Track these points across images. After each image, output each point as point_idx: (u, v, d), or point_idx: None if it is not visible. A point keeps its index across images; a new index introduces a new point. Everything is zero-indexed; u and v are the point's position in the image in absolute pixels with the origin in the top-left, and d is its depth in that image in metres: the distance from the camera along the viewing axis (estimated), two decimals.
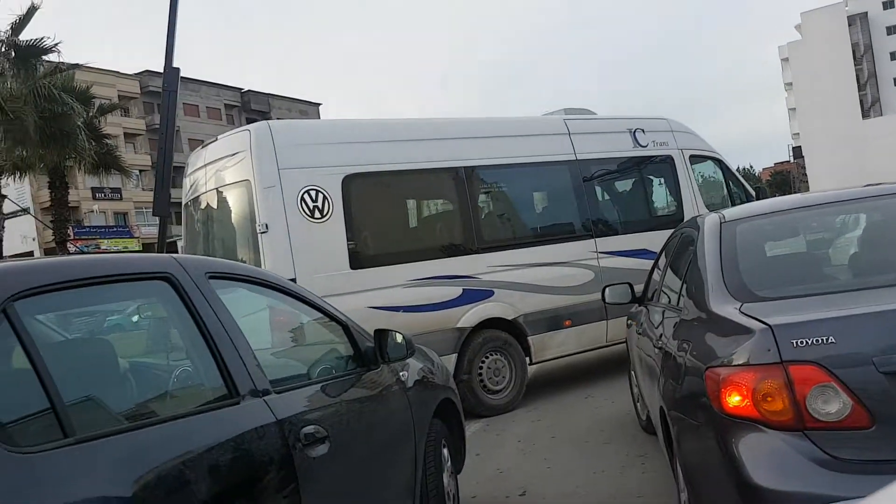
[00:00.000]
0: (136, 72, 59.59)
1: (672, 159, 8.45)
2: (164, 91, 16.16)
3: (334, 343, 3.28)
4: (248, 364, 2.43)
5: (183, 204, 7.52)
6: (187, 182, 7.34)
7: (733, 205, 8.53)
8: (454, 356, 6.67)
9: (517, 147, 7.51)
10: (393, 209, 7.10)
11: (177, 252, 23.89)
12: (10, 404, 1.81)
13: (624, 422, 5.80)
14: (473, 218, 7.14)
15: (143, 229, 53.61)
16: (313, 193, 6.20)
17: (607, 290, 5.18)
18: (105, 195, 54.41)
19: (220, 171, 6.64)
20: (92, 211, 54.36)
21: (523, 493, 4.57)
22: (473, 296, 6.83)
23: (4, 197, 18.49)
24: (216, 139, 6.96)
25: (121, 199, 55.75)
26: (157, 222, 19.14)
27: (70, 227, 25.94)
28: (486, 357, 6.92)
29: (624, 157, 8.26)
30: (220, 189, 6.73)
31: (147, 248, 50.22)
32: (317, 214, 6.20)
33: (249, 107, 71.34)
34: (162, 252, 15.84)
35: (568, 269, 7.41)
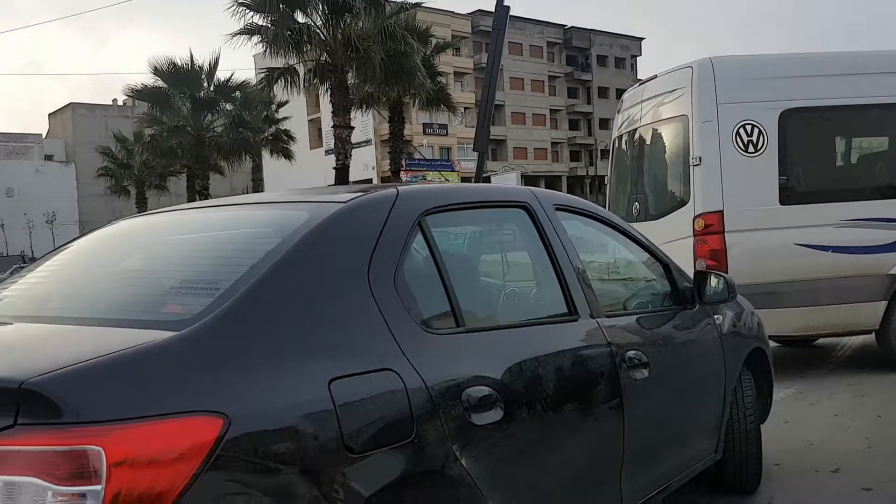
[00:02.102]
0: (469, 12, 62.84)
1: None
2: (494, 29, 16.86)
3: (654, 280, 3.51)
4: (585, 288, 2.77)
5: (613, 138, 8.00)
6: (620, 118, 7.77)
7: None
8: (883, 304, 6.32)
9: None
10: (831, 146, 6.93)
11: (490, 183, 25.42)
12: (426, 297, 2.26)
13: None
14: None
15: (463, 164, 57.32)
16: (749, 128, 6.24)
17: None
18: (433, 130, 59.04)
19: (658, 106, 6.96)
20: (422, 145, 59.42)
21: (836, 469, 4.18)
22: None
23: (353, 128, 20.94)
24: (655, 76, 7.23)
25: (446, 134, 60.07)
26: (476, 157, 20.38)
27: (403, 159, 28.73)
28: None
29: None
30: (655, 123, 7.05)
31: (465, 180, 53.73)
32: (750, 149, 6.25)
33: (571, 44, 71.42)
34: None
35: None
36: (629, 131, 7.51)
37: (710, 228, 6.14)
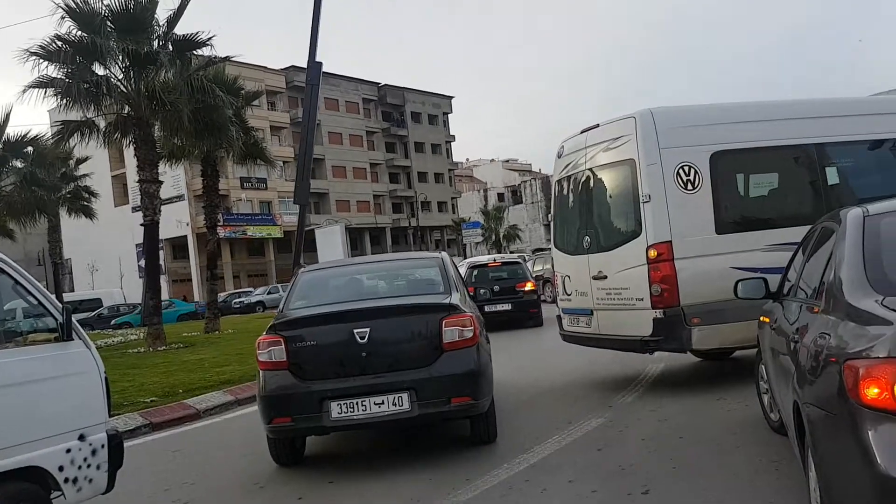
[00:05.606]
0: (282, 67, 62.51)
1: None
2: (307, 84, 16.86)
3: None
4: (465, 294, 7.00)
5: (555, 181, 8.89)
6: (561, 163, 8.56)
7: None
8: None
9: (867, 125, 7.72)
10: (753, 181, 7.87)
11: (314, 236, 25.31)
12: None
13: (758, 426, 5.51)
14: (824, 189, 7.57)
15: (285, 217, 56.33)
16: (686, 168, 7.09)
17: (740, 284, 5.06)
18: (252, 184, 57.58)
19: (604, 151, 7.71)
20: (240, 199, 57.69)
21: (647, 491, 4.42)
22: None
23: (161, 183, 19.84)
24: (597, 125, 7.93)
25: (266, 188, 58.81)
26: (298, 210, 20.04)
27: (220, 214, 27.62)
28: None
29: None
30: (603, 167, 7.82)
31: (288, 234, 52.66)
32: (689, 186, 7.09)
33: (385, 101, 73.00)
34: (301, 236, 17.66)
35: None
36: (574, 174, 8.27)
37: (662, 257, 6.96)
